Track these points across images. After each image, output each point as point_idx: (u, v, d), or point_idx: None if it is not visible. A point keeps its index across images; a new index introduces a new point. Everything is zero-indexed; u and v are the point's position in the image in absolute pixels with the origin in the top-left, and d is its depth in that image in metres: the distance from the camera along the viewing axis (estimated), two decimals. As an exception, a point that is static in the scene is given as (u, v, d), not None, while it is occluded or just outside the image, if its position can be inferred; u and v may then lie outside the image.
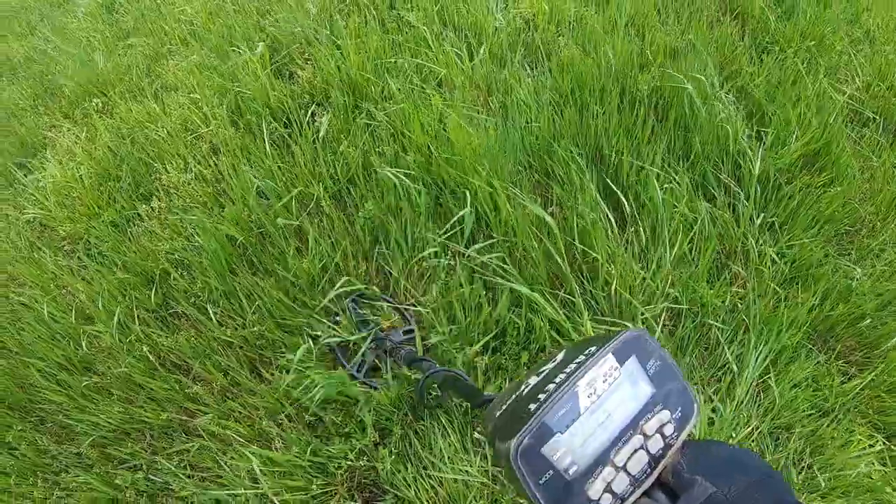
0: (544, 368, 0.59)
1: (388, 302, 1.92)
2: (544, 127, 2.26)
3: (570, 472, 0.50)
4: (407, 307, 1.93)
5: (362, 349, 1.79)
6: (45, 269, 2.40)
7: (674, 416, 0.54)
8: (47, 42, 4.20)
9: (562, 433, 0.50)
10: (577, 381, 0.51)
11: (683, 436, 0.54)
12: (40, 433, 2.00)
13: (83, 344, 2.09)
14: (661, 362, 0.55)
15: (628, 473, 0.51)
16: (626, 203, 2.02)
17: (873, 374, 1.75)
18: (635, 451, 0.51)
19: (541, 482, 0.49)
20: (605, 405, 0.52)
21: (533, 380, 0.59)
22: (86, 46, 3.76)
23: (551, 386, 0.53)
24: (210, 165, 2.44)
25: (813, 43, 2.86)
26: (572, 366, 0.54)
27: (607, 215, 1.99)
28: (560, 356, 0.60)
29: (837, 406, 1.72)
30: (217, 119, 2.58)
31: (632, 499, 0.51)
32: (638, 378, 0.53)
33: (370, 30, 2.83)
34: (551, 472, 0.49)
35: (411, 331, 1.81)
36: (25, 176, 2.94)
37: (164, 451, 1.82)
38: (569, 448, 0.50)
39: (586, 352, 0.55)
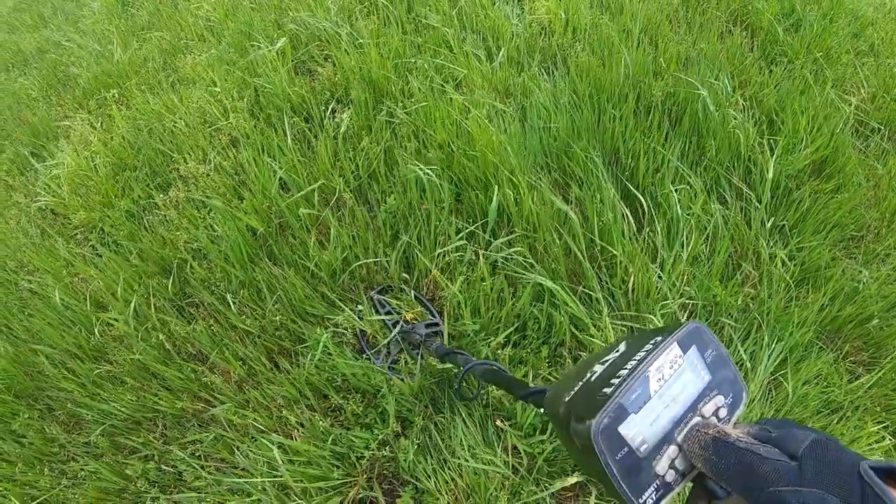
0: (608, 358, 0.64)
1: (415, 296, 1.93)
2: (563, 128, 2.29)
3: (642, 449, 0.54)
4: (431, 299, 1.93)
5: (387, 339, 1.79)
6: (57, 256, 2.39)
7: (727, 400, 0.58)
8: (61, 33, 4.20)
9: (635, 413, 0.54)
10: (649, 367, 0.56)
11: (734, 418, 0.58)
12: (48, 421, 1.99)
13: (96, 331, 2.08)
14: (717, 352, 0.59)
15: None
16: (643, 203, 2.05)
17: (881, 372, 1.79)
18: None
19: (617, 458, 0.53)
20: (671, 389, 0.56)
21: (598, 368, 0.63)
22: (100, 38, 3.77)
23: (624, 371, 0.57)
24: (229, 157, 2.44)
25: (820, 55, 2.92)
26: (641, 353, 0.58)
27: (625, 214, 2.01)
28: (622, 347, 0.64)
29: (846, 403, 1.76)
30: (237, 112, 2.58)
31: (691, 475, 0.55)
32: (698, 365, 0.58)
33: (391, 30, 2.85)
34: (626, 448, 0.53)
35: (435, 323, 1.82)
36: (38, 164, 2.93)
37: (178, 441, 1.80)
38: (641, 428, 0.54)
39: (653, 341, 0.59)
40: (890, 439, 1.72)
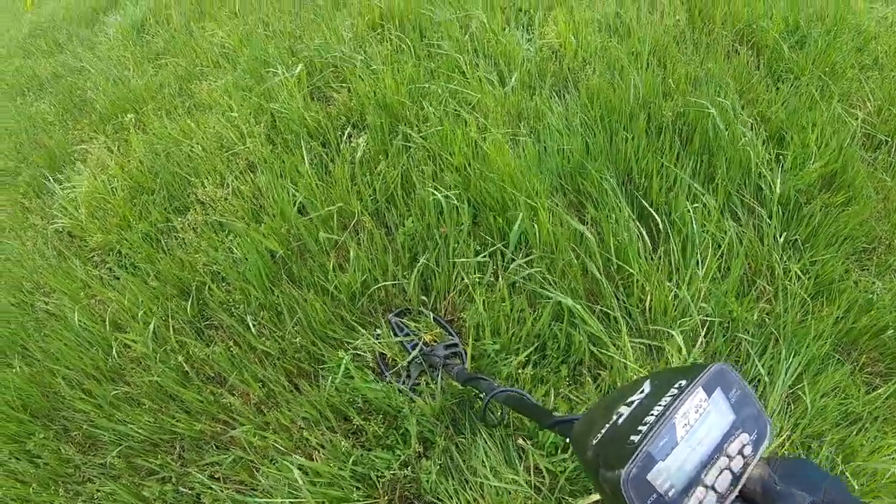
0: (633, 399, 0.67)
1: (434, 318, 1.95)
2: (576, 150, 2.34)
3: (670, 494, 0.57)
4: (450, 321, 1.95)
5: (407, 360, 1.81)
6: (74, 277, 2.41)
7: (751, 437, 0.61)
8: (77, 59, 4.28)
9: (663, 461, 0.57)
10: (675, 414, 0.59)
11: (759, 454, 0.61)
12: (63, 442, 2.00)
13: (114, 352, 2.09)
14: (741, 391, 0.62)
15: (716, 491, 0.58)
16: (659, 221, 2.09)
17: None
18: (721, 471, 0.58)
19: None
20: (697, 433, 0.59)
21: (624, 409, 0.67)
22: (116, 64, 3.85)
23: (650, 418, 0.60)
24: (247, 181, 2.48)
25: (826, 70, 2.98)
26: (667, 398, 0.61)
27: (641, 233, 2.05)
28: (647, 387, 0.67)
29: (865, 414, 1.77)
30: (254, 137, 2.63)
31: None
32: (723, 407, 0.61)
33: (405, 56, 2.91)
34: (655, 495, 0.56)
35: (454, 344, 1.84)
36: (55, 186, 2.98)
37: (196, 463, 1.81)
38: (668, 473, 0.57)
39: (678, 385, 0.63)
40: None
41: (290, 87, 2.76)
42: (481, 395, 1.47)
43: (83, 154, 3.14)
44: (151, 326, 2.07)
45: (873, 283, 2.10)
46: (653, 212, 2.12)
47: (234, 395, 1.90)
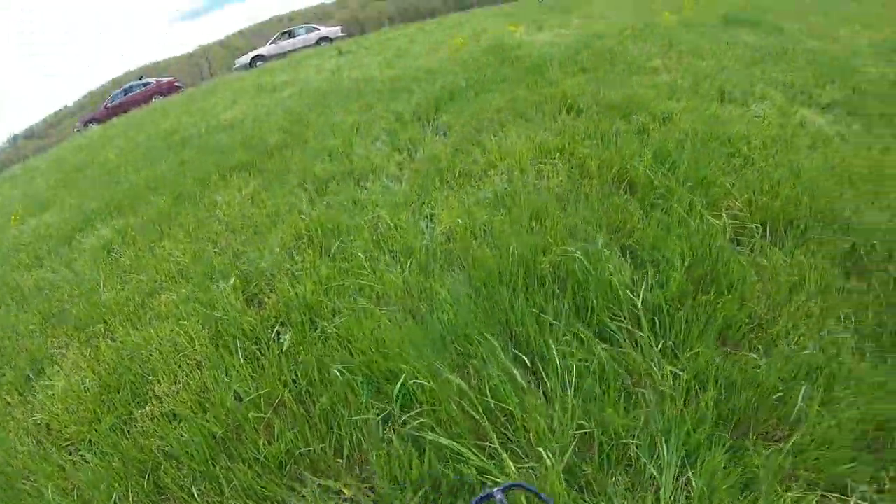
0: None
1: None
2: (462, 317, 2.84)
3: None
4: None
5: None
6: (50, 461, 2.88)
7: None
8: (55, 273, 5.03)
9: None
10: None
11: None
12: None
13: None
14: None
15: None
16: (536, 360, 2.53)
17: (791, 441, 2.06)
18: None
19: None
20: None
21: None
22: (90, 279, 4.61)
23: None
24: (195, 378, 3.11)
25: (695, 184, 3.62)
26: None
27: (515, 376, 2.44)
28: None
29: (764, 475, 1.96)
30: (201, 341, 3.35)
31: None
32: None
33: (322, 260, 3.75)
34: None
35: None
36: (35, 384, 3.55)
37: None
38: None
39: None
40: (821, 496, 1.97)
41: (228, 296, 3.55)
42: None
43: (60, 357, 3.78)
44: (113, 499, 2.55)
45: (755, 357, 2.41)
46: (524, 357, 2.55)
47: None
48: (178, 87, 27.63)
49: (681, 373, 2.34)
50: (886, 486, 1.96)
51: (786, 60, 8.44)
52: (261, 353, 3.18)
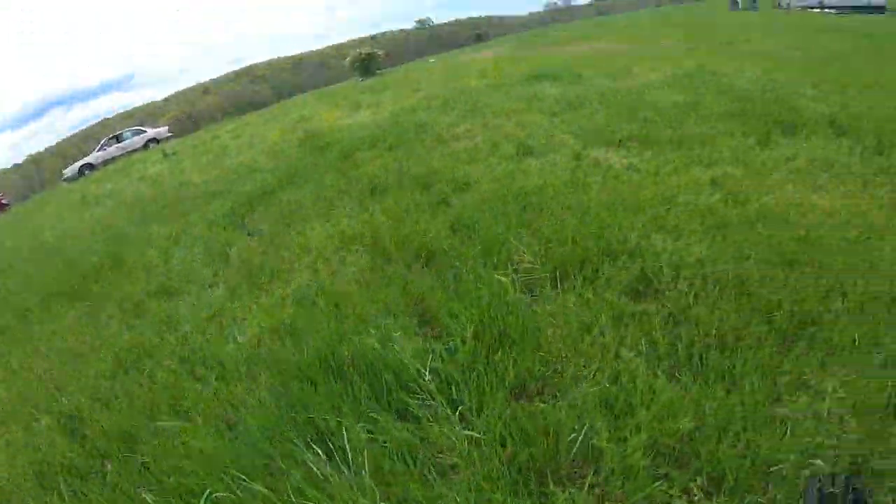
0: None
1: None
2: (270, 421, 2.72)
3: None
4: None
5: None
6: None
7: None
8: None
9: None
10: None
11: None
12: None
13: None
14: None
15: None
16: (340, 451, 2.41)
17: (588, 479, 2.11)
18: None
19: None
20: None
21: None
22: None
23: None
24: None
25: (485, 247, 3.68)
26: None
27: (317, 472, 2.34)
28: None
29: None
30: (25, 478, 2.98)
31: None
32: None
33: (135, 385, 3.51)
34: None
35: None
36: None
37: None
38: None
39: None
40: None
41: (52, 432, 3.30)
42: None
43: None
44: None
45: (548, 404, 2.43)
46: (331, 446, 2.45)
47: None
48: (5, 206, 25.09)
49: (480, 436, 2.34)
50: (696, 498, 2.00)
51: (583, 105, 9.01)
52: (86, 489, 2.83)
